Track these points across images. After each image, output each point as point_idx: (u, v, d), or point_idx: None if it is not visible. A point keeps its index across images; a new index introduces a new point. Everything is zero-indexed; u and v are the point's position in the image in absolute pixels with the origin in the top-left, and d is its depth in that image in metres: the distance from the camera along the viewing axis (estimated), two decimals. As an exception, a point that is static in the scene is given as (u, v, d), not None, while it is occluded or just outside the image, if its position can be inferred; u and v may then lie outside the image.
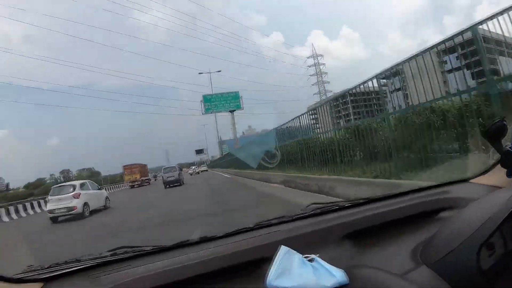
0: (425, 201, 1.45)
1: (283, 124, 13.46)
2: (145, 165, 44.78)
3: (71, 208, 11.72)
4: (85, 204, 12.19)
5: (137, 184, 37.42)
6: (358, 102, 42.00)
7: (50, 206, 12.13)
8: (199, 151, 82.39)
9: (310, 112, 13.39)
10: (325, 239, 1.23)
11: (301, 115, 11.56)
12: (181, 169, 27.62)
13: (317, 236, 1.23)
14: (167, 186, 22.79)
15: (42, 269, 1.13)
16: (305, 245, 1.14)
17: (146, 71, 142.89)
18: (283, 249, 1.03)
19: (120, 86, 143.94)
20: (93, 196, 13.18)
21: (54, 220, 11.89)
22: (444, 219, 1.30)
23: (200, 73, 47.80)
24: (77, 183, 12.95)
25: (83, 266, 1.12)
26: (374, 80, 6.76)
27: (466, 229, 0.95)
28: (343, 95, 14.67)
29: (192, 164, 79.21)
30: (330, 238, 1.23)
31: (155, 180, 46.60)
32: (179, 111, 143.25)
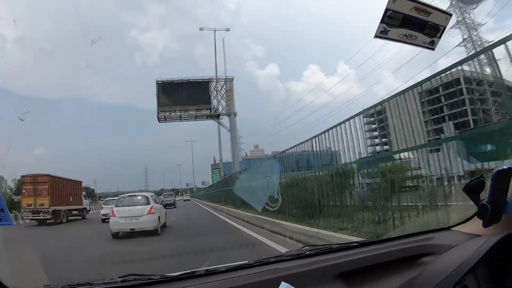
0: (410, 246, 1.59)
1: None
2: (76, 182, 24.28)
3: None
4: None
5: (47, 218, 19.21)
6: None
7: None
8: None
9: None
10: (320, 278, 1.35)
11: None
12: (175, 195, 37.73)
13: (313, 275, 1.36)
14: (166, 207, 24.72)
15: None
16: (302, 283, 1.26)
17: (134, 92, 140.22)
18: (283, 285, 1.16)
19: (106, 103, 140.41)
20: None
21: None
22: (426, 263, 1.43)
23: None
24: None
25: None
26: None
27: (444, 271, 1.12)
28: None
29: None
30: (324, 277, 1.35)
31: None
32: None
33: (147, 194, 11.80)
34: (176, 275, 1.33)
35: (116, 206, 11.01)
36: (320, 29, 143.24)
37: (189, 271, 1.37)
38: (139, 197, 11.49)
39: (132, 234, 9.92)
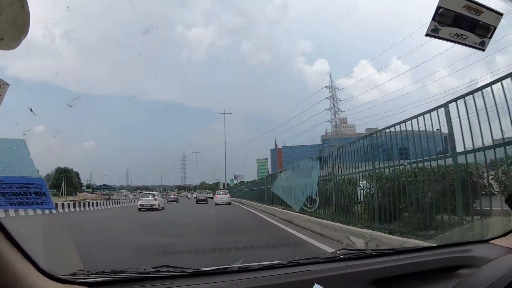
0: (447, 257, 1.54)
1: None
2: None
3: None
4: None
5: None
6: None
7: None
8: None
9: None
10: (352, 283, 1.34)
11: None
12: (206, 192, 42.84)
13: (345, 279, 1.35)
14: (198, 202, 32.79)
15: (89, 274, 1.26)
16: (334, 286, 1.27)
17: (182, 89, 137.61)
18: (316, 287, 1.15)
19: (155, 100, 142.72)
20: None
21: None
22: (462, 275, 1.39)
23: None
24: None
25: (128, 278, 1.24)
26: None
27: (481, 285, 1.07)
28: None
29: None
30: (356, 283, 1.34)
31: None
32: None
33: (154, 192, 25.47)
34: (209, 270, 1.35)
35: (141, 197, 23.92)
36: (373, 24, 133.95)
37: (221, 266, 1.39)
38: (151, 194, 24.31)
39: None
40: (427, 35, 1.93)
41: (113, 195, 57.40)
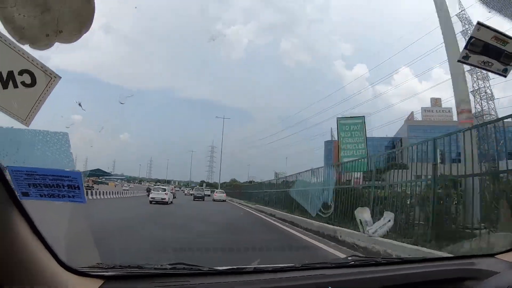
0: (453, 269, 1.60)
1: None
2: None
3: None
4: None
5: None
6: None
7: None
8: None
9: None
10: None
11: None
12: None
13: (356, 285, 1.41)
14: (195, 199, 34.02)
15: (106, 268, 1.28)
16: None
17: (218, 89, 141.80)
18: None
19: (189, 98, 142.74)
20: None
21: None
22: (467, 287, 1.45)
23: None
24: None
25: (144, 273, 1.27)
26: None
27: None
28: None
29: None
30: None
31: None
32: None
33: (165, 187, 26.80)
34: (224, 269, 1.39)
35: (153, 190, 24.43)
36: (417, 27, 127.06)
37: (237, 267, 1.43)
38: (161, 188, 25.25)
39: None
40: (459, 61, 2.14)
41: (107, 184, 52.20)
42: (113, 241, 5.87)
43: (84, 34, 1.14)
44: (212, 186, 66.73)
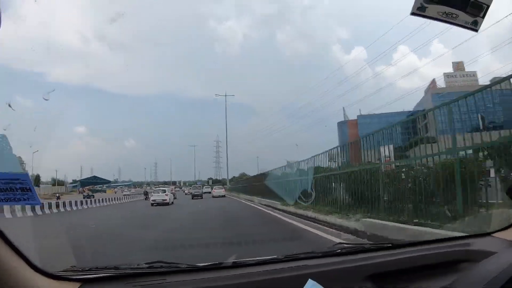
0: (447, 251, 1.51)
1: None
2: None
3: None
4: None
5: None
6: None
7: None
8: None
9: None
10: (349, 278, 1.31)
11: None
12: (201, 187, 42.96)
13: (342, 274, 1.33)
14: (193, 197, 33.32)
15: (82, 271, 1.26)
16: (330, 281, 1.23)
17: (215, 85, 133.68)
18: (310, 282, 1.12)
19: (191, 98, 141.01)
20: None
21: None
22: (462, 269, 1.36)
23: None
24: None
25: (121, 274, 1.23)
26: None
27: (481, 280, 1.04)
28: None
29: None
30: (354, 277, 1.31)
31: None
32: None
33: (165, 188, 27.11)
34: (202, 266, 1.35)
35: (153, 192, 25.51)
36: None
37: (216, 262, 1.38)
38: (161, 189, 25.69)
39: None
40: (412, 13, 1.79)
41: (105, 191, 51.91)
42: (91, 246, 5.88)
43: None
44: (221, 182, 65.81)
